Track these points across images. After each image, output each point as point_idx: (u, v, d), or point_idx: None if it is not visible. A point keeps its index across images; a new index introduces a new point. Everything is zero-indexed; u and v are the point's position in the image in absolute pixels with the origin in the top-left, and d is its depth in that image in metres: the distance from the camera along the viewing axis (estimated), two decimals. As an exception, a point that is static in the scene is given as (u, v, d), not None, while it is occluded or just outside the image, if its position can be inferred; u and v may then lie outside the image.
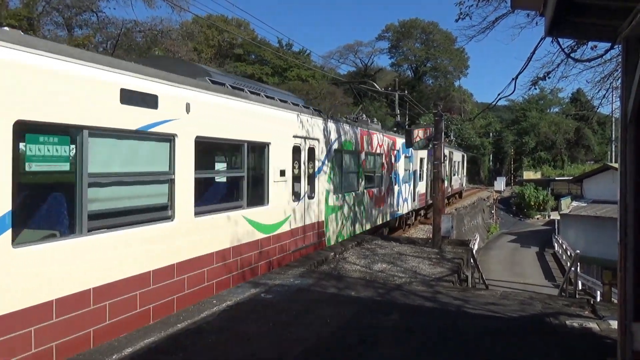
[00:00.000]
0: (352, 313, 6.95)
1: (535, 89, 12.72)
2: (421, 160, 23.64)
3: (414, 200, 22.67)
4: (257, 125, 9.01)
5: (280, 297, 7.61)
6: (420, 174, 23.49)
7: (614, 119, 47.21)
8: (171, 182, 6.72)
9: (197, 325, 6.20)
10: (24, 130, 4.74)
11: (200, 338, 5.78)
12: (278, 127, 9.84)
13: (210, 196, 8.42)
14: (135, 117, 6.02)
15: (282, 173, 9.92)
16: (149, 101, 6.22)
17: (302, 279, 8.88)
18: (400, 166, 19.83)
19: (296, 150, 10.65)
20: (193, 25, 40.01)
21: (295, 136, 10.51)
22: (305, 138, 11.01)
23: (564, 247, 27.76)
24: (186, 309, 6.79)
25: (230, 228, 8.10)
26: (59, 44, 5.68)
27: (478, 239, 22.14)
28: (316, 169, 11.61)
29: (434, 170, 14.91)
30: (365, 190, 15.19)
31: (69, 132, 5.27)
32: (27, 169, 4.82)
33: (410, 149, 19.73)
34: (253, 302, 7.29)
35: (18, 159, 4.73)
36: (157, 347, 5.46)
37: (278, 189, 9.76)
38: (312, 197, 11.47)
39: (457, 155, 36.43)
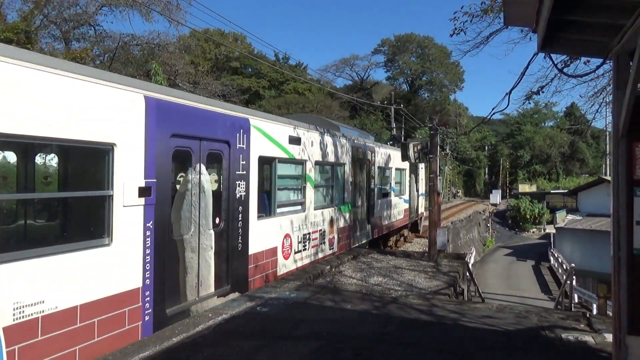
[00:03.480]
0: (348, 326, 6.93)
1: (530, 103, 12.86)
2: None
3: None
4: None
5: (276, 311, 7.58)
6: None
7: (607, 133, 47.56)
8: None
9: (192, 339, 6.16)
10: None
11: (195, 352, 5.75)
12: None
13: None
14: None
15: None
16: None
17: (298, 292, 8.85)
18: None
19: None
20: (190, 38, 40.31)
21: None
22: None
23: (560, 260, 27.81)
24: (181, 322, 6.76)
25: None
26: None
27: (474, 253, 22.17)
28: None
29: (429, 183, 14.95)
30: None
31: None
32: None
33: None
34: (248, 316, 7.27)
35: None
36: (152, 361, 5.43)
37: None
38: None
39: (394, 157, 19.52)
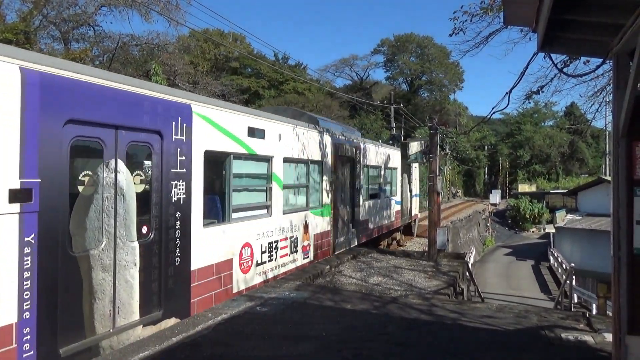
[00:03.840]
0: (348, 326, 6.93)
1: (529, 102, 12.84)
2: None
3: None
4: None
5: (275, 310, 7.58)
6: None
7: (607, 133, 47.60)
8: None
9: (192, 339, 6.16)
10: None
11: (195, 352, 5.74)
12: None
13: None
14: None
15: None
16: None
17: (297, 292, 8.85)
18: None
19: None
20: (189, 39, 40.28)
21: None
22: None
23: (560, 260, 27.81)
24: (181, 322, 6.76)
25: None
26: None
27: (474, 252, 22.06)
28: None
29: (428, 183, 14.95)
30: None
31: None
32: None
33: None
34: (248, 316, 7.26)
35: None
36: (151, 362, 5.43)
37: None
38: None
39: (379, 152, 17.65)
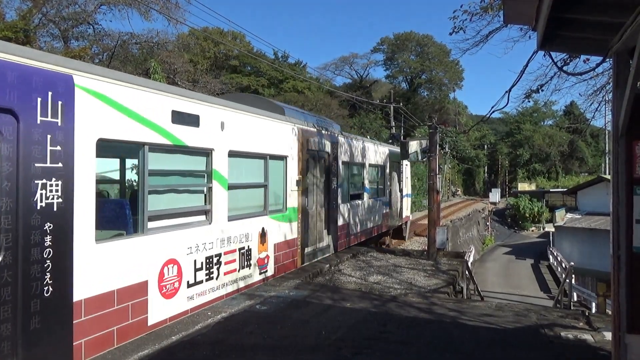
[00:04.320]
0: (348, 325, 6.93)
1: (529, 101, 12.81)
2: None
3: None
4: None
5: (275, 309, 7.58)
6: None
7: (607, 132, 47.60)
8: None
9: (191, 338, 6.16)
10: None
11: (195, 350, 5.75)
12: None
13: None
14: None
15: None
16: None
17: (297, 290, 8.85)
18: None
19: None
20: (189, 37, 40.26)
21: None
22: None
23: (559, 259, 27.80)
24: (180, 320, 6.75)
25: None
26: None
27: (473, 251, 21.91)
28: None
29: (428, 181, 14.94)
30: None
31: None
32: None
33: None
34: (248, 314, 7.27)
35: None
36: (151, 360, 5.43)
37: None
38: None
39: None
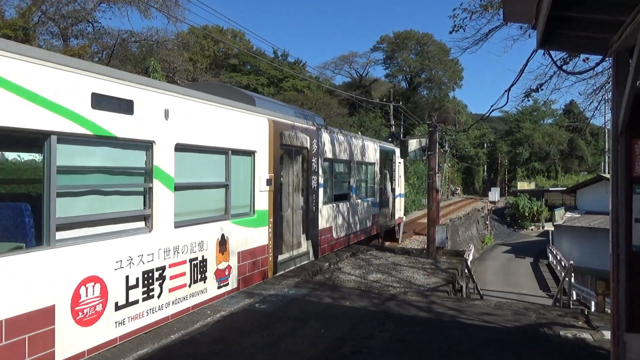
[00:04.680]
0: (347, 323, 6.93)
1: (529, 100, 12.82)
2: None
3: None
4: None
5: (274, 308, 7.58)
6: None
7: (606, 131, 47.62)
8: None
9: (190, 336, 6.16)
10: None
11: (194, 349, 5.75)
12: None
13: None
14: None
15: None
16: None
17: (296, 289, 8.86)
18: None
19: None
20: (189, 35, 40.20)
21: None
22: None
23: (558, 257, 27.80)
24: (179, 319, 6.75)
25: None
26: None
27: (472, 250, 21.84)
28: None
29: (428, 180, 14.94)
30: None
31: None
32: None
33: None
34: (247, 313, 7.27)
35: None
36: (150, 359, 5.43)
37: None
38: None
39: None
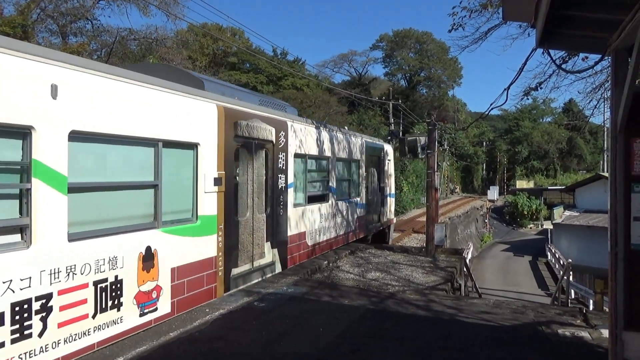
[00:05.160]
0: (346, 322, 6.94)
1: (528, 99, 12.87)
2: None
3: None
4: None
5: (273, 306, 7.59)
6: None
7: (605, 129, 47.64)
8: None
9: (189, 334, 6.17)
10: None
11: (193, 347, 5.75)
12: None
13: None
14: None
15: None
16: None
17: (295, 287, 8.86)
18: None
19: None
20: (188, 33, 40.15)
21: None
22: None
23: (557, 256, 27.86)
24: (178, 316, 6.75)
25: None
26: None
27: (471, 248, 21.78)
28: None
29: (427, 179, 14.94)
30: None
31: None
32: None
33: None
34: (246, 311, 7.27)
35: None
36: (149, 357, 5.43)
37: None
38: None
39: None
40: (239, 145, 8.52)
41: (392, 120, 42.71)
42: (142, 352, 5.53)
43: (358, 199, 14.90)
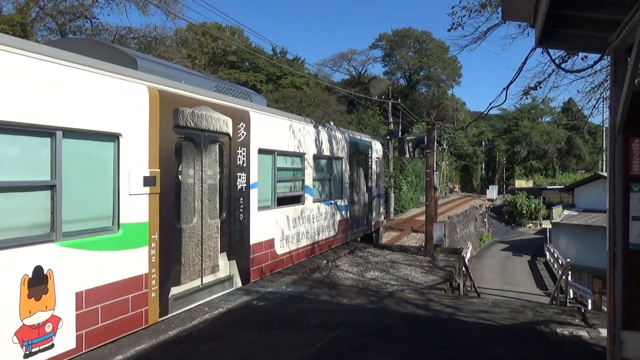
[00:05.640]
0: (344, 321, 6.94)
1: (527, 98, 12.83)
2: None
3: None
4: None
5: (272, 305, 7.59)
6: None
7: (604, 129, 47.68)
8: None
9: (188, 333, 6.17)
10: None
11: (192, 346, 5.76)
12: None
13: None
14: None
15: None
16: None
17: (294, 286, 8.87)
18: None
19: None
20: (187, 32, 40.12)
21: None
22: None
23: (556, 255, 27.89)
24: (177, 315, 6.76)
25: None
26: None
27: (470, 248, 21.78)
28: None
29: (426, 178, 14.95)
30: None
31: None
32: None
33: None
34: (245, 310, 7.28)
35: None
36: (148, 355, 5.43)
37: None
38: None
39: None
40: (182, 138, 7.09)
41: (391, 119, 42.61)
42: (141, 350, 5.54)
43: (340, 200, 13.53)
